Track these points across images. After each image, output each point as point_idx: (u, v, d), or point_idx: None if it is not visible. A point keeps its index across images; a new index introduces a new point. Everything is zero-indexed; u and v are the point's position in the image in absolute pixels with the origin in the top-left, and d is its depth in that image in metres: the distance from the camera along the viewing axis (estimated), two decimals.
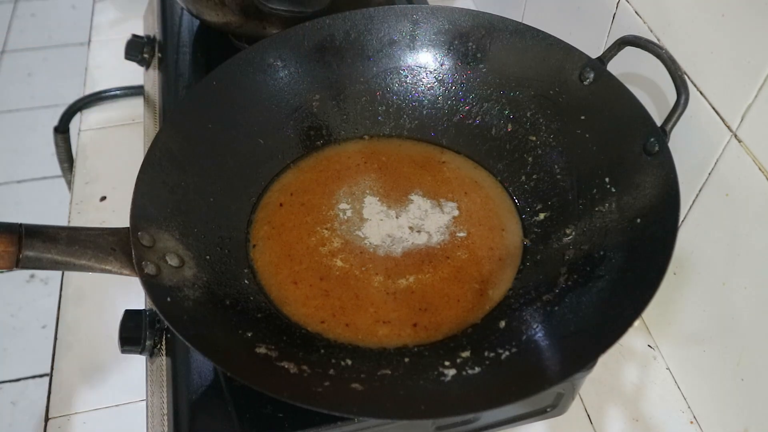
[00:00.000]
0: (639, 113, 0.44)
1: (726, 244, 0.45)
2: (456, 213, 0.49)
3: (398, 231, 0.48)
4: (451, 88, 0.54)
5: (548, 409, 0.45)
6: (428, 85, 0.54)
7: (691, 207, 0.48)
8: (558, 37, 0.49)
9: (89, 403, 0.52)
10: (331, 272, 0.46)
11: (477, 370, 0.38)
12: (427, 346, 0.42)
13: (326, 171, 0.52)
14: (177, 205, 0.44)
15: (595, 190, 0.45)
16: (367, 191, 0.51)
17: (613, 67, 0.47)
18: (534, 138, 0.50)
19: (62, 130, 0.84)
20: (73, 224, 0.65)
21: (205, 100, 0.49)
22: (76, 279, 0.59)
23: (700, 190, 0.47)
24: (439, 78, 0.54)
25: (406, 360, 0.40)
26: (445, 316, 0.43)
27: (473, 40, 0.52)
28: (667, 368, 0.54)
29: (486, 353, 0.40)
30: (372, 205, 0.50)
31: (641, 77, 0.51)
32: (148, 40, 0.71)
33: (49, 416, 0.51)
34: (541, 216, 0.48)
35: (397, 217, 0.49)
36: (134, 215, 0.40)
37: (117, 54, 0.74)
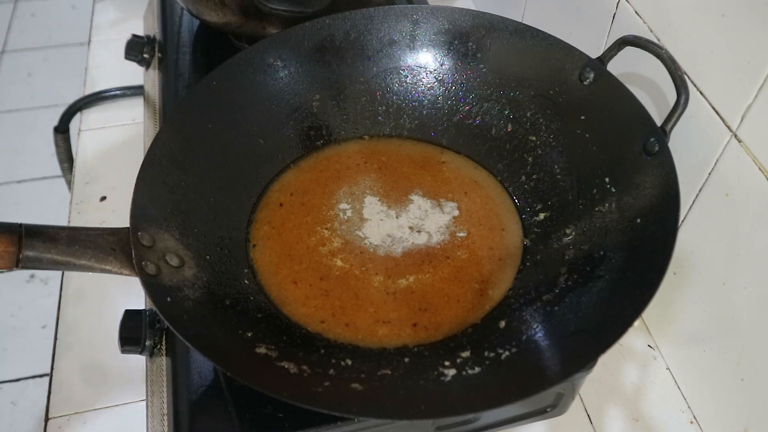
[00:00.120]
0: (639, 113, 0.44)
1: (726, 244, 0.45)
2: (456, 213, 0.49)
3: (398, 231, 0.48)
4: (451, 88, 0.54)
5: (548, 409, 0.45)
6: (428, 85, 0.54)
7: (691, 207, 0.48)
8: (558, 37, 0.49)
9: (89, 403, 0.51)
10: (331, 272, 0.46)
11: (477, 370, 0.38)
12: (427, 346, 0.42)
13: (326, 171, 0.52)
14: (177, 205, 0.44)
15: (595, 190, 0.45)
16: (367, 191, 0.51)
17: (613, 67, 0.47)
18: (534, 138, 0.50)
19: (62, 130, 0.84)
20: (73, 224, 0.65)
21: (205, 100, 0.49)
22: (76, 279, 0.59)
23: (700, 190, 0.47)
24: (439, 78, 0.54)
25: (406, 360, 0.40)
26: (445, 316, 0.43)
27: (473, 40, 0.52)
28: (667, 368, 0.54)
29: (486, 353, 0.40)
30: (372, 205, 0.50)
31: (641, 77, 0.51)
32: (148, 40, 0.71)
33: (49, 416, 0.51)
34: (541, 216, 0.48)
35: (397, 217, 0.49)
36: (134, 215, 0.40)
37: (117, 54, 0.74)
